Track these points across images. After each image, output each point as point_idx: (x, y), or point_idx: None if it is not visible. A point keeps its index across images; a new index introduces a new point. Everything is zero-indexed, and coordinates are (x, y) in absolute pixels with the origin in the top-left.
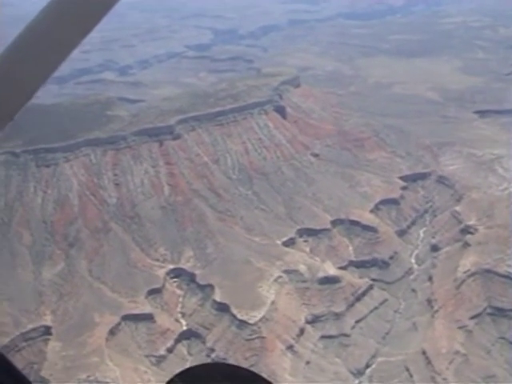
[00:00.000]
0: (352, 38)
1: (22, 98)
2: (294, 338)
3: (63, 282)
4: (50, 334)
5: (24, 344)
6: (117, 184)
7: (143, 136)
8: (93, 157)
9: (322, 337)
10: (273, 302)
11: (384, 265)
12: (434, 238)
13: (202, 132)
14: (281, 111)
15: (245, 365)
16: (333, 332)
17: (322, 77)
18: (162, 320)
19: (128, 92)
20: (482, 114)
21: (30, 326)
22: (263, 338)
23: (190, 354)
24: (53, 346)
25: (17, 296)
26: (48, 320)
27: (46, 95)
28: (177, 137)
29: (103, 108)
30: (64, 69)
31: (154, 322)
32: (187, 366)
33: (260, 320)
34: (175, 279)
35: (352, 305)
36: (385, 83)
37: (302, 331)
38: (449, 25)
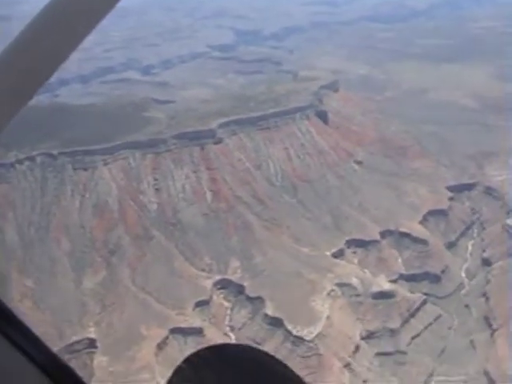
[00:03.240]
0: (379, 42)
1: (27, 92)
2: (350, 356)
3: (106, 292)
4: (95, 346)
5: (69, 356)
6: (157, 189)
7: (184, 140)
8: (132, 160)
9: (378, 354)
10: (328, 317)
11: (435, 279)
12: (484, 251)
13: (243, 137)
14: (322, 116)
15: None
16: (388, 349)
17: (355, 81)
18: (211, 334)
19: (156, 92)
20: None
21: (74, 338)
22: (320, 355)
23: None
24: (99, 360)
25: (58, 306)
26: (92, 332)
27: (71, 94)
28: (218, 141)
29: (139, 109)
30: (86, 67)
31: (204, 336)
32: None
33: (316, 336)
34: (222, 290)
35: (407, 321)
36: (419, 89)
37: (357, 348)
38: (476, 29)
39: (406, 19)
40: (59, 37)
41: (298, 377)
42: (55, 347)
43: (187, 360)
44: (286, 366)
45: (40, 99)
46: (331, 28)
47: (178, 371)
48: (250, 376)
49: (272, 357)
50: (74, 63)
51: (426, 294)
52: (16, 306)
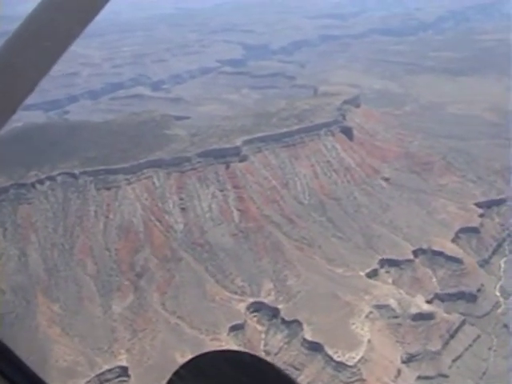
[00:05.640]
0: (392, 55)
1: (23, 92)
2: (393, 380)
3: (135, 317)
4: (128, 375)
5: None
6: (183, 209)
7: (208, 157)
8: (156, 179)
9: (419, 377)
10: (369, 341)
11: (471, 298)
12: None
13: (268, 154)
14: (347, 132)
15: None
16: (430, 372)
17: (372, 96)
18: None
19: (169, 109)
20: None
21: (106, 367)
22: (364, 380)
23: None
24: None
25: (87, 332)
26: (123, 360)
27: (82, 110)
28: (243, 159)
29: (159, 126)
30: (95, 83)
31: None
32: None
33: (359, 361)
34: (256, 314)
35: (447, 342)
36: (438, 103)
37: (398, 372)
38: (488, 42)
39: (415, 32)
40: (58, 29)
41: (286, 375)
42: (86, 377)
43: (177, 372)
44: (273, 367)
45: (50, 115)
46: (341, 41)
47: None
48: (239, 380)
49: (261, 360)
50: (83, 78)
51: (462, 313)
52: (45, 332)
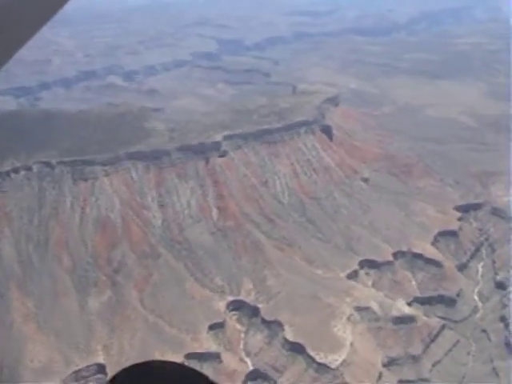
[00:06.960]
0: (366, 55)
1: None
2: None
3: (113, 314)
4: (105, 373)
5: None
6: (161, 205)
7: (188, 152)
8: (134, 173)
9: (400, 381)
10: (351, 344)
11: (451, 302)
12: (497, 274)
13: (248, 151)
14: (327, 132)
15: None
16: (411, 376)
17: (348, 95)
18: (228, 359)
19: (144, 101)
20: None
21: (83, 364)
22: (346, 383)
23: None
24: None
25: (64, 329)
26: (101, 358)
27: (55, 98)
28: (223, 154)
29: (138, 119)
30: (68, 71)
31: (221, 361)
32: None
33: (341, 364)
34: (234, 312)
35: (428, 346)
36: (415, 105)
37: (380, 375)
38: (463, 46)
39: (388, 33)
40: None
41: None
42: (63, 375)
43: (114, 378)
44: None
45: (21, 102)
46: (316, 39)
47: None
48: None
49: (195, 371)
50: (55, 66)
51: (442, 317)
52: (19, 328)
